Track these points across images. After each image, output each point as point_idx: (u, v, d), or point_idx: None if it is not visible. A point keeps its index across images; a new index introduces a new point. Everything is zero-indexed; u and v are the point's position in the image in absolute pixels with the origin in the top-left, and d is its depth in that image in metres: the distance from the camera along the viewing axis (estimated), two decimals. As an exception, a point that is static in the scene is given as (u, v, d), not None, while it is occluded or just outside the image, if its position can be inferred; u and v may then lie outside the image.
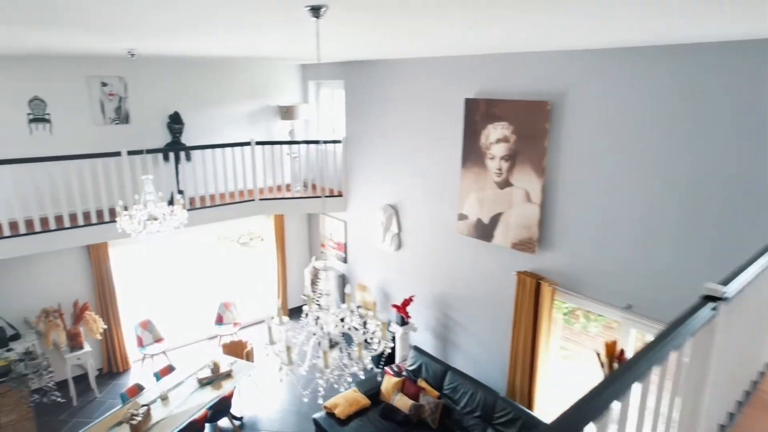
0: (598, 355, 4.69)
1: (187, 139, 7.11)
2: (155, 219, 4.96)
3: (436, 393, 5.69)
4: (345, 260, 8.03)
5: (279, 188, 7.78)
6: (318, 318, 2.82)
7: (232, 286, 8.21)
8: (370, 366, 2.71)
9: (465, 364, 6.25)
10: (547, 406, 5.37)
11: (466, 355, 6.28)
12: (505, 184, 5.39)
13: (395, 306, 6.62)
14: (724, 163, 3.85)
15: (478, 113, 5.49)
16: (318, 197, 7.50)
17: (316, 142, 7.39)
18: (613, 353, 4.58)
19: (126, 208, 4.84)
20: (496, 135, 5.37)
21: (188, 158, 6.92)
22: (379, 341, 2.83)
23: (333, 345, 2.73)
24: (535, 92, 4.99)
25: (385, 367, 6.31)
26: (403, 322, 6.63)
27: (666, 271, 4.32)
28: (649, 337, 4.57)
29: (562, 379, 5.39)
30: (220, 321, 7.75)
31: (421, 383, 5.84)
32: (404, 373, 6.20)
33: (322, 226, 8.46)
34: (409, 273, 6.91)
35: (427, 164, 6.31)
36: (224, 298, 7.91)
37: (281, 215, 8.23)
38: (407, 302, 6.57)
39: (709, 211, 3.98)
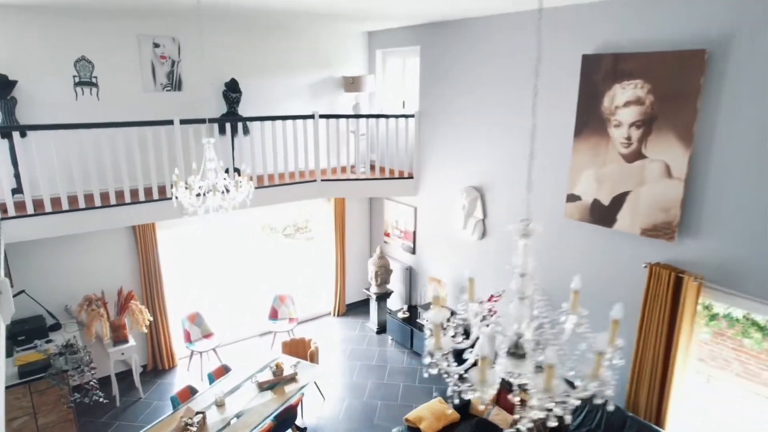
0: None
1: (243, 110, 6.34)
2: (218, 191, 4.16)
3: (541, 408, 4.75)
4: (413, 250, 7.15)
5: (344, 169, 6.96)
6: (486, 317, 1.94)
7: (287, 278, 7.43)
8: (610, 392, 1.79)
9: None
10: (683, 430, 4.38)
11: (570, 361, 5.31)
12: (635, 156, 4.41)
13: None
14: None
15: (600, 72, 4.53)
16: (385, 179, 6.64)
17: (390, 116, 6.52)
18: (797, 368, 3.55)
19: (191, 177, 4.05)
20: (625, 96, 4.40)
21: (246, 131, 6.15)
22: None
23: (521, 355, 1.85)
24: (683, 40, 4.00)
25: (472, 375, 5.40)
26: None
27: None
28: None
29: (703, 398, 4.39)
30: (274, 316, 6.97)
31: (523, 395, 4.90)
32: (496, 382, 5.27)
33: (387, 212, 7.60)
34: (495, 265, 5.98)
35: (526, 138, 5.37)
36: (280, 291, 7.13)
37: (342, 200, 7.41)
38: (493, 299, 5.65)
39: None
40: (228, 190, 4.21)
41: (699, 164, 4.06)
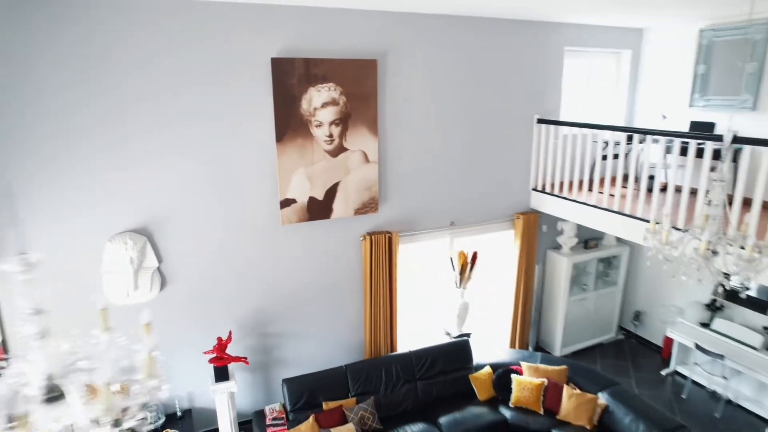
0: (451, 260, 5.81)
1: None
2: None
3: (353, 400, 4.89)
4: None
5: None
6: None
7: None
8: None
9: (310, 367, 5.42)
10: (408, 338, 5.85)
11: (307, 359, 5.44)
12: (338, 150, 5.03)
13: (214, 360, 4.63)
14: (499, 104, 5.74)
15: (294, 76, 4.66)
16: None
17: None
18: (465, 261, 5.80)
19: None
20: (321, 99, 4.83)
21: None
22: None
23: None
24: (359, 50, 4.92)
25: (268, 428, 4.56)
26: (223, 375, 4.74)
27: (469, 189, 5.86)
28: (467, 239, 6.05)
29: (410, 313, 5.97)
30: None
31: (329, 405, 4.78)
32: (291, 414, 4.73)
33: None
34: (189, 315, 4.83)
35: (209, 153, 4.56)
36: None
37: None
38: (225, 344, 4.74)
39: (485, 140, 5.82)
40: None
41: (384, 149, 5.27)
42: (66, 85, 3.95)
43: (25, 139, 3.91)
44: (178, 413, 4.88)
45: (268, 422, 4.66)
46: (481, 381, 5.31)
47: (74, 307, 4.34)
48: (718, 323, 5.78)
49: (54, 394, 1.68)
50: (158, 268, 4.61)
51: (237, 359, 4.73)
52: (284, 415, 4.75)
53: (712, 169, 2.90)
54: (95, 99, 4.06)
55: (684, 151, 4.62)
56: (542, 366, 5.30)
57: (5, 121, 3.82)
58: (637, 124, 6.65)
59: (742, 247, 2.78)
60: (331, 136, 4.96)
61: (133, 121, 4.23)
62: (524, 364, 5.34)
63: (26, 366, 1.67)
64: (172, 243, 4.62)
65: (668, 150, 4.86)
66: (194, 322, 4.85)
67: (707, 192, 3.05)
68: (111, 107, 4.13)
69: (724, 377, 5.57)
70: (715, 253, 2.77)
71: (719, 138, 4.16)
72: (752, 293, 5.61)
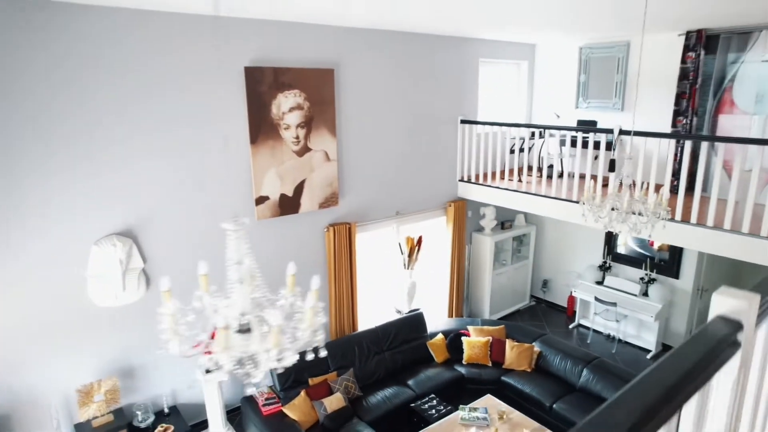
0: (400, 245, 6.59)
1: None
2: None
3: (334, 374, 5.42)
4: None
5: None
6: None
7: None
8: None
9: (284, 355, 5.82)
10: (365, 318, 6.49)
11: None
12: (304, 150, 5.54)
13: (208, 352, 4.88)
14: (434, 107, 6.65)
15: (265, 83, 5.11)
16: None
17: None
18: (412, 245, 6.61)
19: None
20: (288, 104, 5.32)
21: None
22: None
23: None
24: (318, 60, 5.50)
25: (263, 408, 4.92)
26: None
27: (409, 182, 6.70)
28: (410, 226, 6.86)
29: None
30: None
31: (314, 380, 5.27)
32: (281, 393, 5.13)
33: None
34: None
35: (192, 155, 4.82)
36: None
37: None
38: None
39: (421, 139, 6.73)
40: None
41: (341, 149, 5.88)
42: (49, 94, 4.03)
43: (7, 147, 3.92)
44: (166, 410, 5.02)
45: (261, 403, 5.02)
46: (437, 346, 6.14)
47: (63, 308, 4.44)
48: (609, 280, 7.27)
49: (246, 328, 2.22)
50: (143, 269, 4.76)
51: (226, 349, 5.01)
52: (275, 395, 5.14)
53: (612, 164, 4.02)
54: (79, 107, 4.18)
55: (584, 144, 5.88)
56: (485, 327, 6.28)
57: None
58: (535, 122, 8.00)
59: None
60: (297, 137, 5.46)
61: (116, 127, 4.39)
62: (470, 328, 6.28)
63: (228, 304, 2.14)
64: (156, 243, 4.80)
65: (573, 143, 6.11)
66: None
67: (610, 169, 4.17)
68: (94, 115, 4.26)
69: (617, 320, 7.03)
70: (634, 212, 3.87)
71: (610, 131, 5.45)
72: (625, 252, 7.17)
